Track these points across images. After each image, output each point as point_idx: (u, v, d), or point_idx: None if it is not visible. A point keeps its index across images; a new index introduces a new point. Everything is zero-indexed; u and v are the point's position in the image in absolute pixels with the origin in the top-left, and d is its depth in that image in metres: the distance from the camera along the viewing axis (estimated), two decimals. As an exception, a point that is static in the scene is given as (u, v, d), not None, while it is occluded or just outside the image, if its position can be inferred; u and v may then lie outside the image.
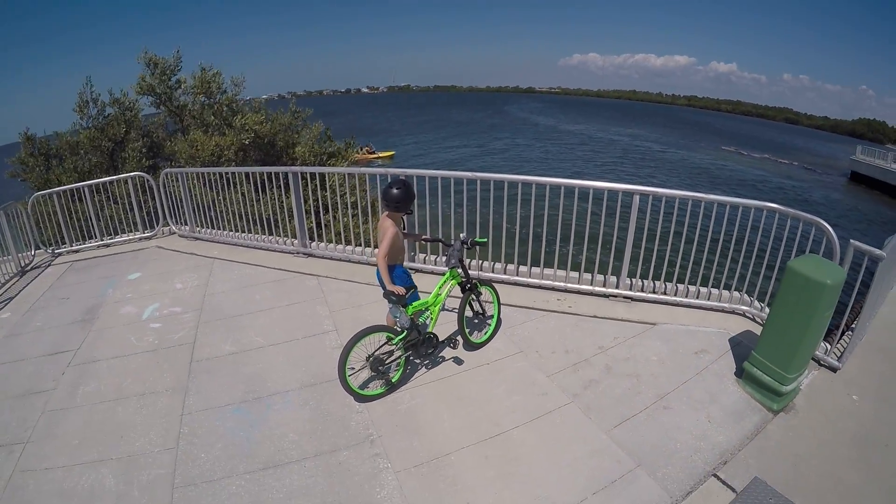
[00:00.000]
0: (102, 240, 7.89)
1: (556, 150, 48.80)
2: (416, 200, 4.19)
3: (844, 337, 4.82)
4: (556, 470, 3.26)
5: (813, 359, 4.53)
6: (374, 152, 37.59)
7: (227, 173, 7.37)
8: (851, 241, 4.29)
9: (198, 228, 7.84)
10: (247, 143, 11.00)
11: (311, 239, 6.96)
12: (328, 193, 6.72)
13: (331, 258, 6.67)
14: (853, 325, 4.94)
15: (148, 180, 7.94)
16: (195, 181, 7.76)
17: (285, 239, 7.08)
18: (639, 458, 3.35)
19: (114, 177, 8.38)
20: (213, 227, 7.75)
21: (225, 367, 4.42)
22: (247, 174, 7.32)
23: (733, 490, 3.15)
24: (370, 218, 6.63)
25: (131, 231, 8.16)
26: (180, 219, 8.03)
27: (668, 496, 3.09)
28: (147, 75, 11.94)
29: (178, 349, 4.73)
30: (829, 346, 4.71)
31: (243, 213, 7.36)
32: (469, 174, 5.60)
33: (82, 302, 5.90)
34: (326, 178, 6.88)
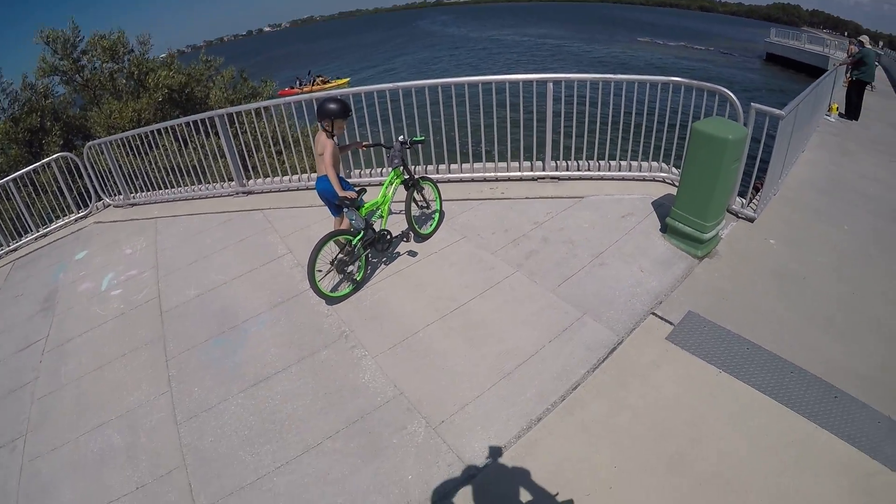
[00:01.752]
0: (38, 231, 7.65)
1: (469, 57, 48.63)
2: (351, 112, 4.35)
3: (760, 193, 5.33)
4: (514, 327, 3.67)
5: (731, 212, 5.06)
6: (328, 81, 37.48)
7: (150, 132, 7.19)
8: (752, 103, 4.76)
9: (132, 195, 7.74)
10: (162, 100, 10.68)
11: (248, 177, 6.99)
12: (256, 129, 6.70)
13: (270, 191, 6.75)
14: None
15: (72, 159, 7.70)
16: (120, 149, 7.61)
17: (222, 183, 7.09)
18: (584, 308, 3.79)
19: (36, 164, 7.93)
20: (147, 190, 7.67)
21: (194, 309, 4.59)
22: (171, 128, 7.17)
23: (671, 323, 3.62)
24: (302, 146, 6.68)
25: (66, 215, 7.90)
26: (112, 190, 7.89)
27: (615, 334, 3.54)
28: (47, 54, 11.36)
29: (146, 306, 4.84)
30: (744, 201, 5.25)
31: (174, 167, 7.31)
32: (390, 85, 5.78)
33: (37, 293, 5.85)
34: (252, 115, 6.85)
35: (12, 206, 7.59)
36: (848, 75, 11.73)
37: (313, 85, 35.93)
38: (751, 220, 5.02)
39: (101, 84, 11.45)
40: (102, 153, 7.55)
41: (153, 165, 7.35)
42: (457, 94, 5.55)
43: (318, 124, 4.16)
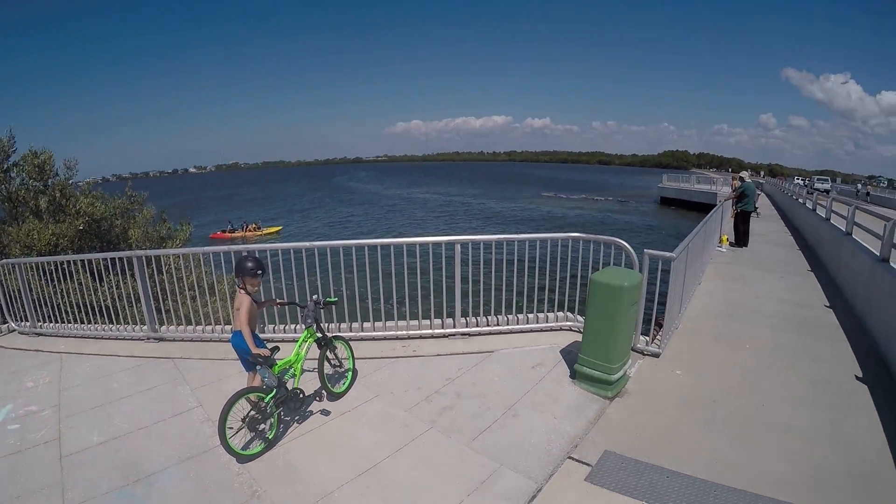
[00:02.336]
0: None
1: (381, 214, 50.05)
2: (266, 272, 4.51)
3: (662, 329, 5.75)
4: (431, 484, 3.70)
5: (637, 350, 5.50)
6: (260, 228, 38.29)
7: (67, 261, 7.12)
8: (645, 249, 5.32)
9: (39, 323, 7.47)
10: (82, 228, 10.44)
11: (161, 323, 6.91)
12: (173, 275, 6.69)
13: (182, 339, 6.70)
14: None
15: None
16: (33, 273, 7.44)
17: (134, 326, 6.98)
18: (501, 460, 3.91)
19: None
20: (56, 321, 7.42)
21: (97, 456, 4.35)
22: (87, 261, 7.12)
23: (588, 464, 3.78)
24: (217, 295, 6.71)
25: None
26: (19, 314, 7.57)
27: (534, 483, 3.65)
28: None
29: (45, 447, 4.56)
30: (648, 339, 5.65)
31: (87, 304, 7.15)
32: (307, 244, 6.08)
33: None
34: (171, 260, 6.86)
35: None
36: (734, 208, 13.06)
37: (245, 231, 36.78)
38: (656, 355, 5.45)
39: (24, 201, 11.06)
40: (14, 273, 7.36)
41: (65, 298, 7.17)
42: (370, 255, 5.88)
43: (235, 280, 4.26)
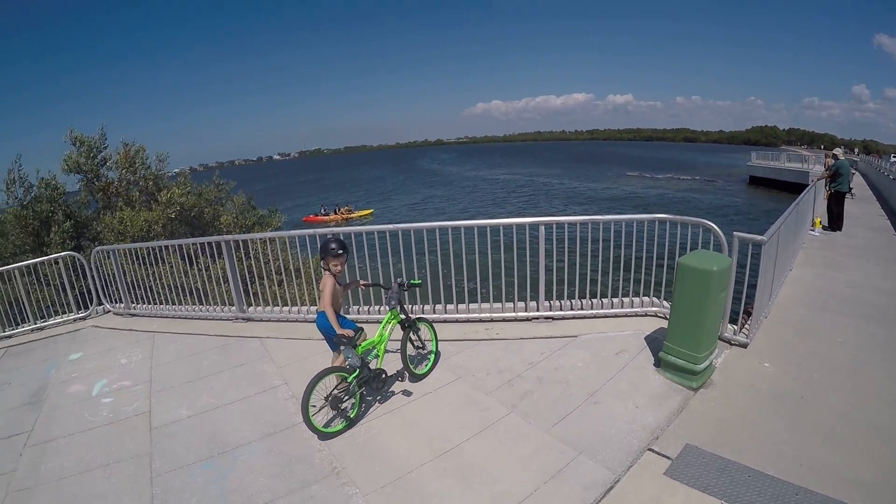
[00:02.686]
0: (36, 323, 7.80)
1: (463, 196, 49.97)
2: (351, 252, 4.60)
3: (751, 318, 5.46)
4: (509, 469, 3.64)
5: (724, 339, 5.22)
6: (352, 211, 39.31)
7: (158, 247, 7.46)
8: (735, 232, 5.03)
9: (133, 305, 7.87)
10: (173, 216, 11.04)
11: (248, 304, 7.12)
12: (260, 258, 6.91)
13: (269, 320, 6.89)
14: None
15: (79, 259, 7.95)
16: (126, 258, 7.84)
17: (222, 307, 7.23)
18: (580, 448, 3.79)
19: (44, 257, 8.26)
20: (148, 303, 7.80)
21: (185, 429, 4.55)
22: (179, 246, 7.44)
23: (668, 458, 3.62)
24: (303, 277, 6.84)
25: (65, 312, 8.06)
26: (113, 296, 8.05)
27: (611, 473, 3.53)
28: (74, 153, 11.89)
29: (136, 419, 4.81)
30: (735, 328, 5.38)
31: (177, 286, 7.49)
32: (391, 226, 6.07)
33: (26, 385, 5.86)
34: (258, 244, 7.09)
35: (13, 293, 7.74)
36: (827, 188, 12.21)
37: (339, 214, 37.89)
38: (744, 345, 5.17)
39: (116, 191, 11.86)
40: (109, 258, 7.80)
41: (158, 280, 7.53)
42: (453, 237, 5.85)
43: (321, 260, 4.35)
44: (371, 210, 41.38)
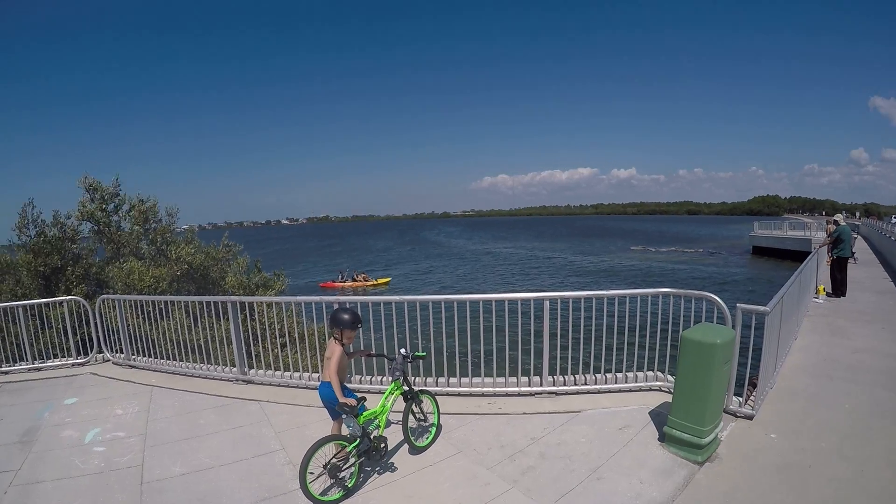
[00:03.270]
0: (33, 363, 7.83)
1: (467, 268, 50.07)
2: (362, 324, 4.60)
3: (756, 389, 5.41)
4: (509, 546, 3.51)
5: (729, 412, 5.18)
6: (369, 280, 39.17)
7: (164, 301, 7.49)
8: (738, 304, 5.06)
9: (133, 356, 7.85)
10: (180, 274, 11.14)
11: (250, 366, 7.10)
12: (265, 322, 6.93)
13: (269, 384, 6.83)
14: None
15: (83, 305, 8.00)
16: (131, 309, 7.87)
17: (223, 367, 7.19)
18: (583, 524, 3.67)
19: (49, 299, 8.37)
20: (148, 356, 7.77)
21: (177, 486, 4.44)
22: (184, 303, 7.48)
23: (675, 534, 3.51)
24: (307, 343, 6.83)
25: (64, 356, 8.09)
26: (114, 346, 8.04)
27: (616, 550, 3.41)
28: (87, 201, 12.16)
29: (127, 471, 4.71)
30: (741, 400, 5.33)
31: (180, 342, 7.47)
32: (396, 298, 6.11)
33: (18, 423, 5.82)
34: (263, 307, 7.11)
35: (15, 332, 7.81)
36: (830, 255, 12.27)
37: (355, 281, 37.89)
38: (749, 417, 5.14)
39: (125, 243, 12.01)
40: (114, 308, 7.84)
41: (161, 334, 7.53)
42: (458, 310, 5.90)
43: (329, 330, 4.37)
44: (388, 279, 41.14)
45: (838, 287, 12.01)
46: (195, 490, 4.36)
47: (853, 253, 13.57)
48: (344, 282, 37.58)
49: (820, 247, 13.76)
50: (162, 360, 7.64)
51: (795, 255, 30.77)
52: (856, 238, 17.27)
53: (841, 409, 5.37)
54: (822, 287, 11.99)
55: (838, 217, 13.17)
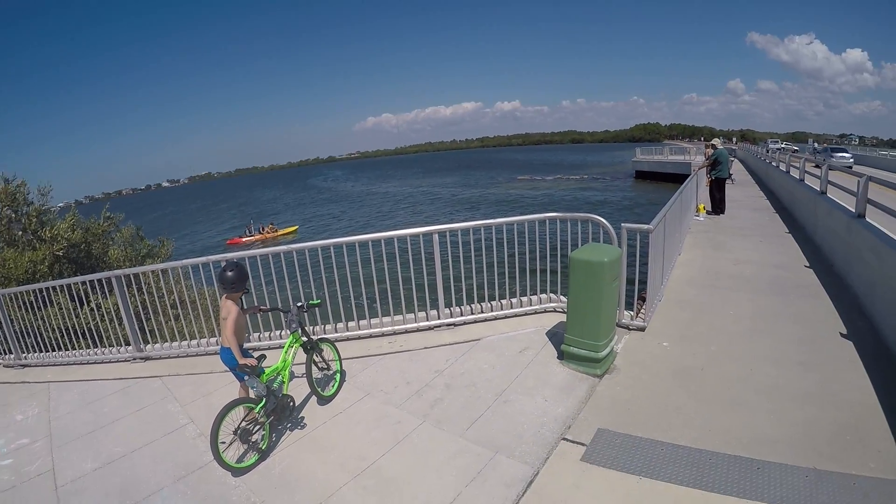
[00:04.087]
0: None
1: (356, 211, 49.77)
2: (249, 279, 4.50)
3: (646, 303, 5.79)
4: (429, 478, 3.71)
5: (622, 326, 5.53)
6: (277, 230, 38.20)
7: (45, 288, 6.99)
8: (623, 224, 5.34)
9: (24, 355, 7.38)
10: (60, 254, 10.29)
11: (146, 342, 6.83)
12: (153, 293, 6.59)
13: (168, 357, 6.64)
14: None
15: None
16: (11, 303, 7.30)
17: (119, 348, 6.91)
18: (495, 447, 3.92)
19: None
20: (40, 351, 7.33)
21: (93, 483, 4.30)
22: (66, 286, 7.01)
23: (583, 444, 3.80)
24: (200, 310, 6.60)
25: None
26: (3, 348, 7.48)
27: (530, 467, 3.67)
28: None
29: (39, 479, 4.50)
30: (632, 314, 5.70)
31: (69, 328, 7.07)
32: (284, 248, 6.01)
33: None
34: (150, 278, 6.76)
35: None
36: (709, 176, 13.15)
37: (263, 233, 36.78)
38: (642, 329, 5.51)
39: (-4, 231, 10.90)
40: (-6, 305, 7.18)
41: (48, 325, 7.10)
42: (348, 253, 5.86)
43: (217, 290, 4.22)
44: (296, 227, 40.47)
45: (717, 205, 12.97)
46: (112, 483, 4.24)
47: (731, 174, 14.61)
48: (252, 235, 36.51)
49: (699, 168, 14.70)
50: (55, 353, 7.24)
51: (676, 178, 32.20)
52: (733, 161, 18.59)
53: (727, 316, 5.85)
54: (703, 206, 12.90)
55: (716, 141, 14.09)
